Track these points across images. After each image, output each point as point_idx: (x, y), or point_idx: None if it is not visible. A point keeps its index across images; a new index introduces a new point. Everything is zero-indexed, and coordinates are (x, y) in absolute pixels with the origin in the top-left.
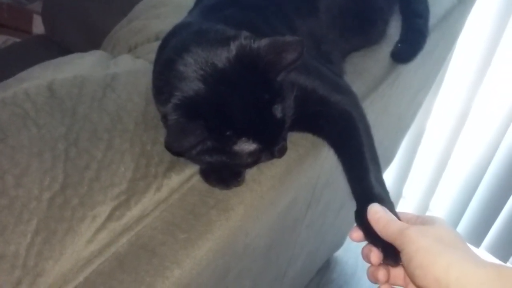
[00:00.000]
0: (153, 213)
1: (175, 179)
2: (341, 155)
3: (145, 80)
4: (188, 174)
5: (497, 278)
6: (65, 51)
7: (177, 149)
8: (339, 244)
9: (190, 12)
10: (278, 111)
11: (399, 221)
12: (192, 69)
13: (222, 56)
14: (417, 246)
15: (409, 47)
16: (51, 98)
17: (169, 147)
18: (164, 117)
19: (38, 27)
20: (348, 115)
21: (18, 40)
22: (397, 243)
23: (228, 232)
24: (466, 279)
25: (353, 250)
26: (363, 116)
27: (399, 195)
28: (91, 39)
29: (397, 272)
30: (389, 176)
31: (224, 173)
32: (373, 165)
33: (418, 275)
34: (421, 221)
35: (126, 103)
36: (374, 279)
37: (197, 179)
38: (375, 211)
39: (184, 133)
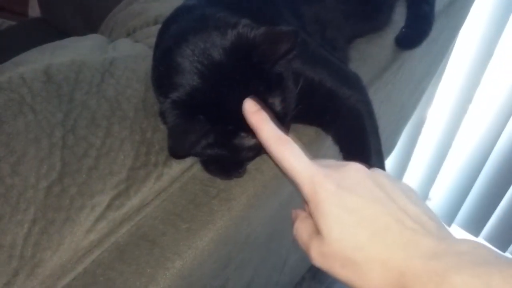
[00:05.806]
0: (154, 203)
1: (175, 168)
2: (346, 155)
3: (145, 65)
4: (189, 163)
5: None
6: (61, 34)
7: (181, 152)
8: None
9: None
10: (276, 104)
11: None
12: (189, 61)
13: (218, 47)
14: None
15: (414, 33)
16: (47, 83)
17: (173, 152)
18: (162, 115)
19: (34, 9)
20: (357, 113)
21: (13, 23)
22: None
23: (230, 222)
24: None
25: None
26: (371, 114)
27: None
28: (88, 22)
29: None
30: (389, 165)
31: (225, 164)
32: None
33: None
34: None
35: (125, 89)
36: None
37: (198, 168)
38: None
39: (184, 133)
